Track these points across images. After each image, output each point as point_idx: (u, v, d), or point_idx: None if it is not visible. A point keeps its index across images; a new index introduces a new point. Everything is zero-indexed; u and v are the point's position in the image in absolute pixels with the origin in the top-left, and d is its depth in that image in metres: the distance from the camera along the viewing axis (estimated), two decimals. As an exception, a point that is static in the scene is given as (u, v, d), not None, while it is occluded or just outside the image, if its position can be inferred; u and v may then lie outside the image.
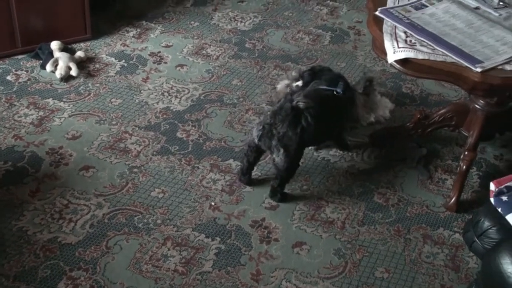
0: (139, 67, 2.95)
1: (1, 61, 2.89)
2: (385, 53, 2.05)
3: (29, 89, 2.73)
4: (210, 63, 3.02)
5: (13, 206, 2.14)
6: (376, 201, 2.32)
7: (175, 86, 2.84)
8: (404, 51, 1.98)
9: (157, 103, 2.72)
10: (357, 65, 3.12)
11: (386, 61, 2.05)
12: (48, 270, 1.93)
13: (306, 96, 2.16)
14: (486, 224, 1.75)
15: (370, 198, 2.33)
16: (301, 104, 2.10)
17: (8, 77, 2.79)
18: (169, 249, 2.04)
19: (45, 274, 1.91)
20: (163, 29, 3.26)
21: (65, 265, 1.95)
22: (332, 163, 2.48)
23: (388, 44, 2.04)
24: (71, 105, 2.66)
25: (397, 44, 2.02)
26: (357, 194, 2.34)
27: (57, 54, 2.87)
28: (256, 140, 2.18)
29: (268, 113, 2.16)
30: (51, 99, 2.69)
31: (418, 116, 2.52)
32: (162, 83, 2.85)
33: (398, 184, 2.40)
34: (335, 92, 2.28)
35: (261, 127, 2.16)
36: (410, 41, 2.04)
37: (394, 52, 2.00)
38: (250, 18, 3.45)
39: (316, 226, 2.18)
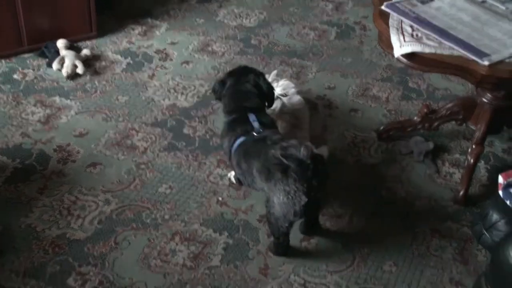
0: (145, 65, 2.95)
1: (7, 60, 2.90)
2: (391, 47, 2.04)
3: (35, 87, 2.74)
4: (216, 60, 3.03)
5: (22, 203, 2.15)
6: (384, 195, 2.31)
7: (181, 83, 2.84)
8: (410, 45, 1.98)
9: (164, 99, 2.72)
10: (363, 60, 3.12)
11: (393, 55, 2.05)
12: (57, 266, 1.94)
13: (285, 150, 1.82)
14: (495, 217, 1.75)
15: (378, 192, 2.32)
16: (303, 155, 1.78)
17: (15, 76, 2.80)
18: (177, 244, 2.04)
19: (54, 270, 1.92)
20: (168, 27, 3.27)
21: (74, 260, 1.96)
22: (340, 158, 2.48)
23: (394, 38, 2.03)
24: (78, 103, 2.67)
25: (404, 38, 2.02)
26: (364, 188, 2.34)
27: (63, 52, 2.88)
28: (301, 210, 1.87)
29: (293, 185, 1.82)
30: (57, 97, 2.70)
31: (425, 110, 2.51)
32: (168, 80, 2.85)
33: (405, 178, 2.40)
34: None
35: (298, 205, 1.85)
36: (417, 35, 2.03)
37: (401, 46, 2.00)
38: (255, 15, 3.45)
39: (324, 221, 2.18)
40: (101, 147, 2.43)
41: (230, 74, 2.23)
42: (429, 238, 2.14)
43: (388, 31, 2.07)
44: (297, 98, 2.42)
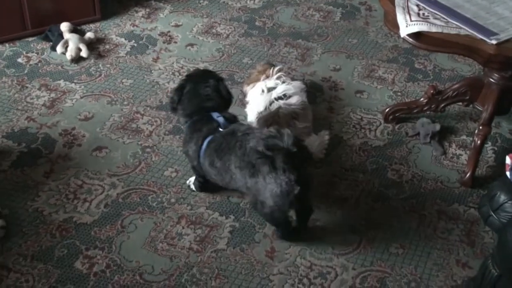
0: (149, 47, 2.94)
1: (11, 44, 2.89)
2: (397, 27, 2.02)
3: (40, 71, 2.74)
4: (220, 42, 3.01)
5: (28, 187, 2.16)
6: (390, 177, 2.30)
7: (186, 66, 2.83)
8: (417, 24, 1.96)
9: (168, 82, 2.71)
10: (368, 41, 3.09)
11: (399, 36, 2.02)
12: (64, 250, 1.95)
13: (266, 141, 1.79)
14: (502, 198, 1.74)
15: (384, 174, 2.31)
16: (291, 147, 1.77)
17: (19, 60, 2.79)
18: (183, 228, 2.05)
19: (62, 254, 1.93)
20: (172, 9, 3.24)
21: (81, 244, 1.97)
22: (345, 140, 2.47)
23: (400, 18, 2.01)
24: (83, 86, 2.66)
25: (410, 17, 1.99)
26: (370, 170, 2.33)
27: (67, 35, 2.86)
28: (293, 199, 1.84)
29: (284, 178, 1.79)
30: (62, 80, 2.69)
31: (432, 91, 2.49)
32: (173, 63, 2.84)
33: (411, 160, 2.39)
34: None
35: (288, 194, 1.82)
36: (423, 14, 2.01)
37: (407, 26, 1.98)
38: (260, -4, 3.41)
39: (330, 203, 2.18)
40: (106, 131, 2.43)
41: (189, 78, 2.13)
42: (435, 220, 2.14)
43: (394, 11, 2.04)
44: (295, 99, 2.34)
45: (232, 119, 2.06)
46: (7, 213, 2.05)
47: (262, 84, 2.41)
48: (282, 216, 1.92)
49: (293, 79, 2.56)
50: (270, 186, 1.81)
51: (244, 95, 2.52)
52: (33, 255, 1.92)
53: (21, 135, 2.38)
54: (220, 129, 1.99)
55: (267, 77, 2.44)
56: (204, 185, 2.15)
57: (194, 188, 2.18)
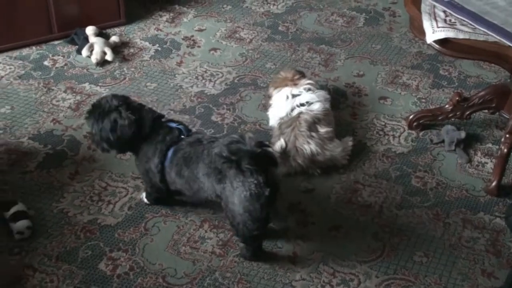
0: (173, 51, 2.96)
1: (38, 47, 2.93)
2: (423, 33, 2.01)
3: (66, 74, 2.77)
4: (244, 47, 3.01)
5: (54, 189, 2.18)
6: (414, 184, 2.28)
7: (209, 70, 2.84)
8: (443, 30, 1.94)
9: (192, 86, 2.73)
10: (392, 47, 3.07)
11: (423, 42, 2.01)
12: (89, 251, 1.96)
13: (229, 146, 1.73)
14: (530, 207, 1.72)
15: (408, 181, 2.29)
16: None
17: (46, 62, 2.83)
18: (206, 231, 2.05)
19: (86, 255, 1.95)
20: (196, 13, 3.26)
21: (105, 246, 1.98)
22: (369, 146, 2.45)
23: (427, 24, 2.00)
24: (107, 90, 2.68)
25: (436, 23, 1.98)
26: (394, 177, 2.31)
27: (92, 39, 2.89)
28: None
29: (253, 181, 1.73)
30: (87, 83, 2.72)
31: (457, 98, 2.46)
32: (196, 67, 2.85)
33: (436, 167, 2.36)
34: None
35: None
36: (450, 20, 1.99)
37: (433, 32, 1.96)
38: (283, 1, 3.41)
39: (353, 210, 2.16)
40: (130, 134, 2.44)
41: (118, 106, 1.91)
42: (460, 229, 2.11)
43: (420, 17, 2.03)
44: (317, 105, 2.34)
45: (188, 128, 2.00)
46: (33, 214, 2.07)
47: (287, 90, 2.40)
48: (255, 227, 1.80)
49: (319, 88, 2.54)
50: (238, 190, 1.73)
51: (269, 97, 2.52)
52: (58, 255, 1.94)
53: (47, 137, 2.41)
54: (182, 136, 1.93)
55: (295, 85, 2.43)
56: (161, 198, 2.10)
57: (148, 202, 2.13)
